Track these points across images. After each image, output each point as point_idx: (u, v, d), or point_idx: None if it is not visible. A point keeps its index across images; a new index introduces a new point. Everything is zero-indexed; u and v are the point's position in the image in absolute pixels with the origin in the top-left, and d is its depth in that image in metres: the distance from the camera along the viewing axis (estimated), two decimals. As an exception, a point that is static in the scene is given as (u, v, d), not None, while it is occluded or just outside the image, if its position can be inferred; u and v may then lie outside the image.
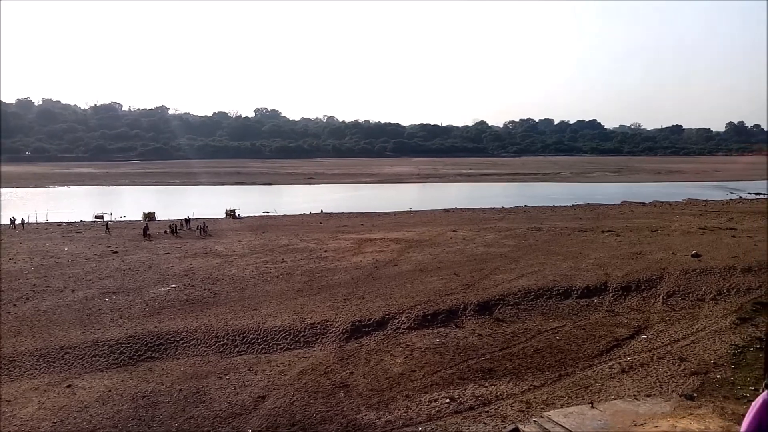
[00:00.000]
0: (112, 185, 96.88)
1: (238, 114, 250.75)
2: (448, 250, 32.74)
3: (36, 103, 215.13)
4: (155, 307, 22.43)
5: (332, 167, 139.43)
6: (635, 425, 10.44)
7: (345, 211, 58.65)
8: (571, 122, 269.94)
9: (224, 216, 55.63)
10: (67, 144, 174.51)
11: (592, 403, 11.90)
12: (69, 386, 15.65)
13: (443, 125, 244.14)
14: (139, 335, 18.97)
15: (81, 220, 52.88)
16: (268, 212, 59.92)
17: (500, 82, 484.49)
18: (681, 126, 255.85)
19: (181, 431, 13.20)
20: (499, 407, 13.57)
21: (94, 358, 17.49)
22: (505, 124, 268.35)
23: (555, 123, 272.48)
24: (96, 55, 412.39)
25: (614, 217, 48.21)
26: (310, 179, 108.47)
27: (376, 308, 21.06)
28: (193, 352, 18.13)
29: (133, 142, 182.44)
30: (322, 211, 59.41)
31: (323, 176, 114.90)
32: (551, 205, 62.09)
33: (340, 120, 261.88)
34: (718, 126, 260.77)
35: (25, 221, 48.50)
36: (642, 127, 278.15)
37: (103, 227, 46.31)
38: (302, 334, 19.09)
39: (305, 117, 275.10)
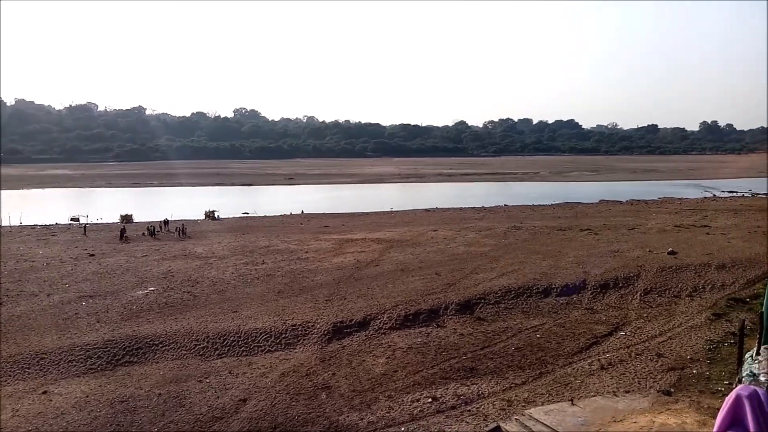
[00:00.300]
0: (88, 187, 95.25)
1: (217, 114, 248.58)
2: (429, 249, 32.85)
3: (8, 104, 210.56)
4: (133, 310, 22.11)
5: (313, 168, 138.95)
6: (614, 421, 10.60)
7: (326, 212, 58.49)
8: (550, 122, 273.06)
9: (203, 217, 55.04)
10: (41, 145, 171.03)
11: (572, 400, 12.05)
12: (44, 393, 15.34)
13: (423, 125, 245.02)
14: (117, 339, 18.67)
15: (56, 223, 51.89)
16: (248, 213, 59.44)
17: (479, 83, 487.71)
18: (656, 125, 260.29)
19: (160, 436, 13.02)
20: (480, 406, 13.65)
21: (70, 364, 17.17)
22: (484, 124, 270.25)
23: (534, 123, 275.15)
24: (70, 55, 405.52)
25: (592, 216, 48.83)
26: (290, 180, 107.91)
27: (358, 309, 21.03)
28: (173, 355, 17.91)
29: (109, 143, 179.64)
30: (302, 211, 59.14)
31: (304, 177, 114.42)
32: (531, 204, 62.66)
33: (321, 120, 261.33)
34: (692, 125, 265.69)
35: (-2, 224, 47.46)
36: (619, 127, 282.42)
37: (79, 230, 45.51)
38: (283, 335, 18.98)
39: (285, 117, 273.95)
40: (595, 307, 21.09)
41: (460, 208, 59.67)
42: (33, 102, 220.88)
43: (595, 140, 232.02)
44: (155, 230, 43.38)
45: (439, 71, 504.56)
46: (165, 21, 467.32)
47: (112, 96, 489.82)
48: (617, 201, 64.74)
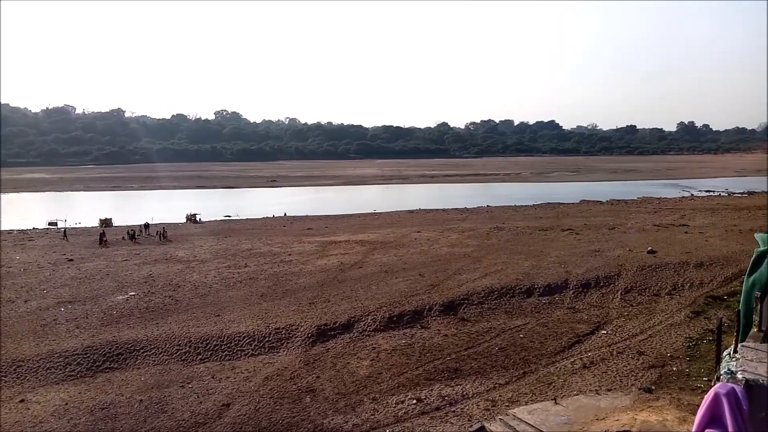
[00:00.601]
0: (66, 191, 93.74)
1: (198, 116, 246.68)
2: (413, 251, 32.89)
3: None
4: (113, 315, 21.77)
5: (295, 170, 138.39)
6: (597, 419, 10.69)
7: (309, 214, 58.27)
8: (531, 123, 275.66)
9: (185, 221, 54.51)
10: (17, 149, 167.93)
11: (555, 399, 12.13)
12: (22, 401, 15.02)
13: (406, 127, 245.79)
14: (97, 345, 18.37)
15: (33, 228, 50.96)
16: (230, 216, 58.99)
17: (461, 84, 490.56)
18: (635, 126, 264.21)
19: (142, 443, 12.84)
20: (465, 406, 13.69)
21: (48, 371, 16.85)
22: (466, 126, 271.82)
23: (515, 124, 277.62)
24: (47, 56, 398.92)
25: (573, 216, 49.34)
26: (272, 182, 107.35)
27: (342, 311, 20.97)
28: (154, 361, 17.67)
29: (87, 146, 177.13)
30: (285, 214, 58.87)
31: (286, 179, 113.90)
32: (513, 204, 63.14)
33: (303, 122, 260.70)
34: (670, 126, 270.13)
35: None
36: (598, 128, 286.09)
37: (57, 234, 44.75)
38: (267, 339, 18.85)
39: (267, 119, 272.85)
40: (577, 307, 21.29)
41: (443, 209, 59.89)
42: (8, 104, 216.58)
43: (576, 141, 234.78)
44: (135, 234, 42.83)
45: (421, 73, 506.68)
46: (144, 22, 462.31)
47: (90, 98, 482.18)
48: (598, 201, 65.52)
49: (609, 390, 13.55)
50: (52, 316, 21.70)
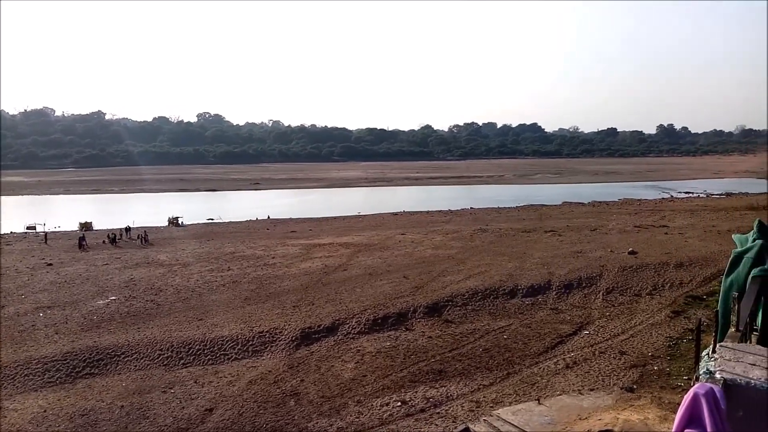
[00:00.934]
0: (45, 194, 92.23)
1: (180, 119, 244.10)
2: (397, 253, 32.92)
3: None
4: (94, 320, 21.46)
5: (279, 172, 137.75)
6: (580, 419, 10.79)
7: (293, 217, 58.04)
8: (513, 126, 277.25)
9: (167, 224, 53.97)
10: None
11: (538, 400, 12.23)
12: (-1, 408, 14.74)
13: (390, 129, 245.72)
14: (77, 351, 18.09)
15: (11, 232, 50.06)
16: (213, 219, 58.54)
17: (445, 87, 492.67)
18: (616, 129, 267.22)
19: (123, 450, 12.66)
20: (449, 408, 13.72)
21: (26, 378, 16.54)
22: (450, 128, 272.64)
23: (498, 127, 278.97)
24: (25, 57, 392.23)
25: (556, 218, 49.78)
26: (256, 185, 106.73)
27: (326, 314, 20.91)
28: (136, 366, 17.45)
29: (67, 149, 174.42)
30: (269, 217, 58.56)
31: (270, 181, 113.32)
32: (496, 206, 63.53)
33: (286, 124, 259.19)
34: (650, 129, 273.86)
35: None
36: (580, 130, 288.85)
37: (36, 239, 44.00)
38: (250, 343, 18.71)
39: (250, 121, 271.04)
40: (559, 307, 21.46)
41: (427, 212, 60.05)
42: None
43: (558, 143, 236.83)
44: (116, 238, 42.27)
45: (405, 75, 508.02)
46: (125, 23, 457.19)
47: (70, 100, 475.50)
48: (579, 203, 66.20)
49: (592, 390, 13.68)
50: (31, 322, 21.33)
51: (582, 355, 16.57)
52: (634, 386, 13.61)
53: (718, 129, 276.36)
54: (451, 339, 18.54)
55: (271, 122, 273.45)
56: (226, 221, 56.10)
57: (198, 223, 55.04)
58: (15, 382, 16.32)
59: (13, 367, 17.01)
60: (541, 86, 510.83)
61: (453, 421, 12.86)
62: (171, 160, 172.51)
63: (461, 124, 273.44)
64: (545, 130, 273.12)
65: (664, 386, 13.59)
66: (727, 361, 2.79)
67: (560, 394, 13.26)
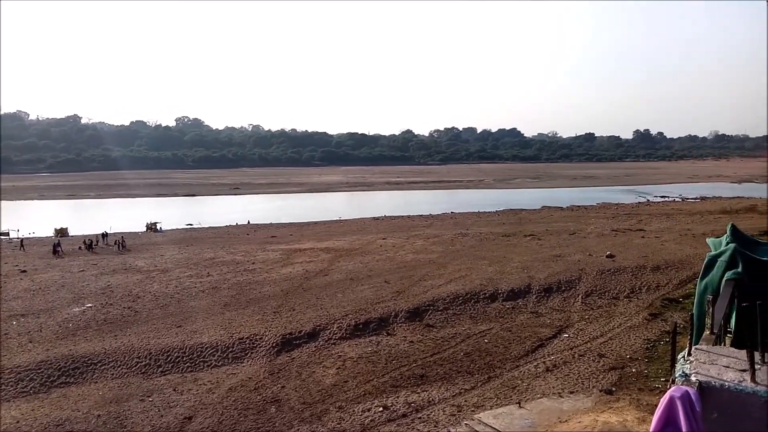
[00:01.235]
0: (19, 200, 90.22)
1: (158, 123, 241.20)
2: (378, 258, 32.91)
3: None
4: (69, 328, 21.06)
5: (259, 177, 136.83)
6: (560, 421, 10.89)
7: (273, 222, 57.67)
8: (493, 131, 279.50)
9: (145, 230, 53.21)
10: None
11: (519, 403, 12.31)
12: (-30, 420, 14.36)
13: (371, 134, 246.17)
14: (52, 360, 17.72)
15: (-17, 238, 48.87)
16: (192, 225, 57.84)
17: (425, 92, 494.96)
18: (593, 134, 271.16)
19: (100, 460, 12.41)
20: (431, 413, 13.73)
21: (-1, 388, 16.14)
22: (430, 133, 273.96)
23: (478, 131, 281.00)
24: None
25: (535, 222, 50.25)
26: (235, 189, 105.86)
27: (307, 319, 20.80)
28: (113, 374, 17.15)
29: (41, 154, 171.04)
30: (249, 222, 58.10)
31: (250, 186, 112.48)
32: (476, 211, 63.90)
33: (266, 129, 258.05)
34: (627, 134, 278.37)
35: None
36: (558, 135, 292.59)
37: (9, 245, 43.01)
38: (230, 349, 18.53)
39: (229, 126, 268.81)
40: (539, 311, 21.65)
41: (408, 216, 60.16)
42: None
43: (537, 148, 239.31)
44: (93, 244, 41.54)
45: (386, 80, 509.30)
46: (100, 25, 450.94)
47: (44, 104, 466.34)
48: (558, 207, 66.93)
49: (571, 392, 13.82)
50: (3, 331, 20.83)
51: (562, 358, 16.73)
52: (613, 388, 13.78)
53: (692, 134, 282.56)
54: (433, 343, 18.57)
55: (251, 126, 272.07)
56: (206, 226, 55.50)
57: (177, 229, 54.37)
58: (-13, 392, 15.91)
59: (-15, 377, 16.60)
60: (520, 91, 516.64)
61: (435, 426, 12.88)
62: (149, 165, 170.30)
63: (442, 129, 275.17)
64: (524, 135, 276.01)
65: (642, 388, 13.78)
66: (702, 364, 2.84)
67: (540, 397, 13.37)
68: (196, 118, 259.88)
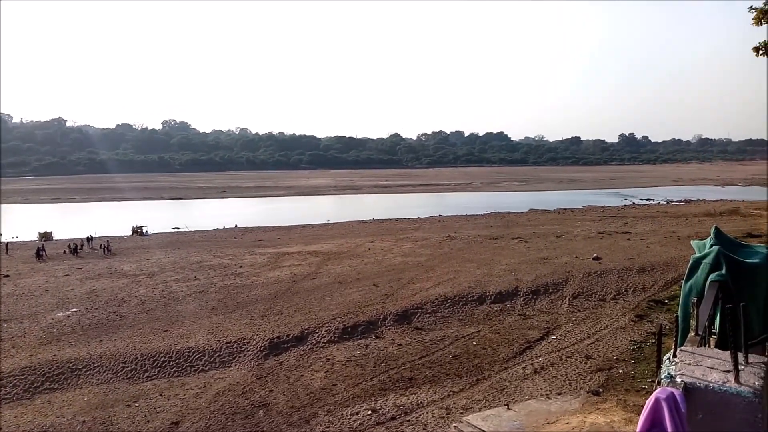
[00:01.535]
0: (2, 204, 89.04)
1: (144, 126, 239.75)
2: (367, 261, 32.89)
3: None
4: (54, 333, 20.78)
5: (246, 180, 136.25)
6: (548, 423, 10.94)
7: (261, 225, 57.41)
8: (481, 134, 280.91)
9: (131, 233, 52.75)
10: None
11: (507, 405, 12.35)
12: (-48, 427, 14.11)
13: (359, 137, 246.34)
14: (35, 365, 17.48)
15: (-36, 243, 48.09)
16: (178, 228, 57.45)
17: (413, 96, 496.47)
18: (579, 137, 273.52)
19: (85, 467, 12.25)
20: (420, 415, 13.73)
21: (-19, 394, 15.89)
22: (418, 137, 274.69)
23: (465, 135, 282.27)
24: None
25: (523, 224, 50.52)
26: (223, 193, 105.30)
27: (295, 323, 20.73)
28: (98, 380, 16.95)
29: (25, 157, 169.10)
30: (236, 225, 57.82)
31: (237, 189, 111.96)
32: (464, 214, 64.11)
33: (254, 132, 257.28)
34: (612, 137, 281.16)
35: None
36: (545, 139, 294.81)
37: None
38: (218, 353, 18.40)
39: (217, 129, 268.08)
40: (527, 313, 21.75)
41: (396, 219, 60.21)
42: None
43: (524, 152, 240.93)
44: (77, 248, 41.08)
45: (374, 84, 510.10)
46: (85, 26, 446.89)
47: (28, 107, 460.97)
48: (545, 210, 67.35)
49: (559, 394, 13.89)
50: (-14, 336, 20.51)
51: (549, 360, 16.81)
52: (600, 390, 13.87)
53: (676, 138, 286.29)
54: (421, 346, 18.59)
55: (238, 130, 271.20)
56: (192, 230, 55.14)
57: (163, 232, 53.96)
58: (-31, 399, 15.66)
59: (-33, 383, 16.33)
60: (507, 95, 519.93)
61: (423, 429, 12.88)
62: (135, 168, 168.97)
63: (429, 132, 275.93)
64: (511, 139, 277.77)
65: (628, 389, 13.89)
66: (687, 365, 2.88)
67: (529, 399, 13.43)
68: (182, 121, 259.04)
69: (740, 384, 2.65)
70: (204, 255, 37.44)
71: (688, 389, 2.64)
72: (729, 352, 2.83)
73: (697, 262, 4.80)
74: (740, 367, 2.76)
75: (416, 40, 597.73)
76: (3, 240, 47.21)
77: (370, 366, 17.06)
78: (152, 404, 15.14)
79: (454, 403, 14.25)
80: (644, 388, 13.67)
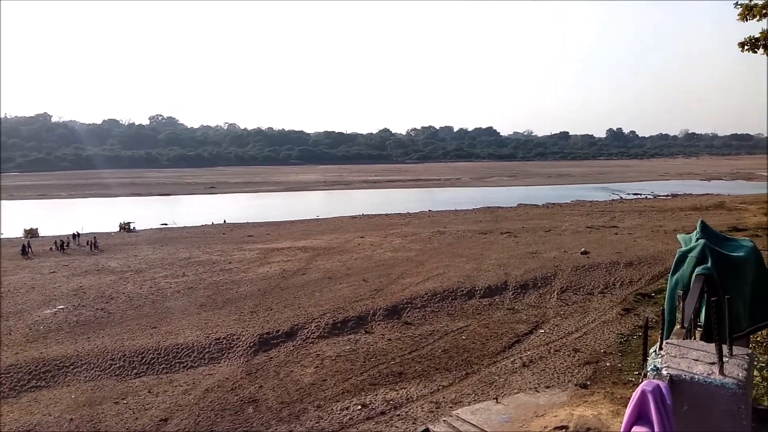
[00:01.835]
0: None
1: (131, 121, 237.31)
2: (356, 256, 32.88)
3: None
4: (40, 331, 20.59)
5: (235, 176, 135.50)
6: (536, 416, 11.01)
7: (250, 221, 57.18)
8: (470, 129, 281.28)
9: (118, 230, 52.31)
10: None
11: (497, 398, 12.41)
12: (-64, 427, 13.95)
13: (348, 133, 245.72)
14: (21, 363, 17.31)
15: (-52, 240, 47.47)
16: (166, 224, 57.05)
17: (402, 91, 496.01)
18: (568, 132, 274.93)
19: (73, 465, 12.17)
20: (409, 410, 13.77)
21: (-33, 393, 15.71)
22: (407, 132, 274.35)
23: (455, 130, 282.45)
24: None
25: (511, 219, 50.74)
26: (211, 189, 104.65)
27: (285, 319, 20.69)
28: (86, 377, 16.83)
29: (10, 153, 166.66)
30: (225, 221, 57.54)
31: (225, 185, 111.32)
32: (453, 209, 64.27)
33: (242, 127, 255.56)
34: (600, 132, 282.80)
35: None
36: (534, 134, 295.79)
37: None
38: (207, 350, 18.33)
39: (205, 124, 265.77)
40: (516, 307, 21.87)
41: (386, 214, 60.22)
42: None
43: (513, 147, 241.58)
44: (64, 245, 40.68)
45: (363, 79, 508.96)
46: (70, 20, 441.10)
47: (13, 102, 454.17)
48: (534, 204, 67.69)
49: (547, 387, 13.98)
50: (-29, 334, 20.27)
51: (538, 354, 16.92)
52: (588, 382, 13.98)
53: (663, 133, 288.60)
54: (411, 341, 18.63)
55: (226, 125, 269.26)
56: (181, 226, 54.78)
57: (151, 229, 53.56)
58: (-46, 398, 15.48)
59: (-49, 382, 16.14)
60: (496, 90, 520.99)
61: (413, 423, 12.92)
62: (122, 164, 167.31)
63: (419, 127, 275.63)
64: (500, 134, 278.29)
65: (616, 382, 14.01)
66: (672, 358, 2.90)
67: (518, 393, 13.50)
68: (170, 117, 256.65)
69: (725, 376, 2.67)
70: (192, 251, 37.23)
71: (674, 381, 2.67)
72: (714, 344, 2.85)
73: (683, 256, 4.83)
74: (725, 359, 2.78)
75: (405, 35, 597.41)
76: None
77: (359, 361, 17.08)
78: (141, 401, 15.06)
79: (443, 397, 14.31)
80: (631, 380, 13.80)
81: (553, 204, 67.69)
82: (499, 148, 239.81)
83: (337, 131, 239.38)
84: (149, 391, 15.69)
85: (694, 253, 4.72)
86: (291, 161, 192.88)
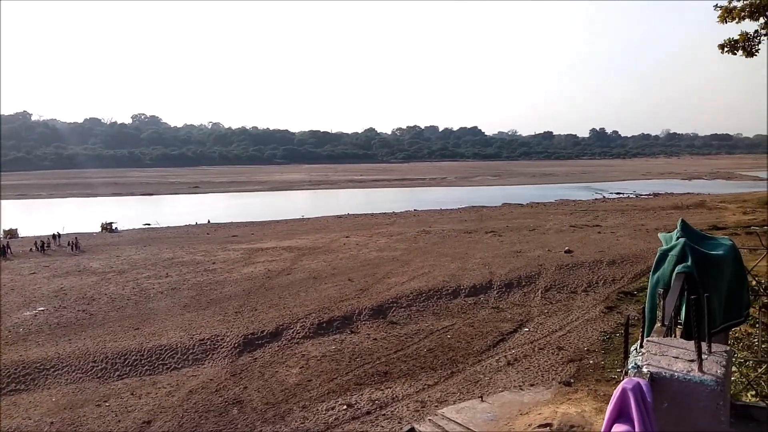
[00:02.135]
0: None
1: (113, 120, 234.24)
2: (342, 256, 32.82)
3: None
4: (20, 333, 20.26)
5: (219, 175, 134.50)
6: (521, 414, 11.09)
7: (234, 221, 56.78)
8: (455, 129, 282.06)
9: (100, 230, 51.63)
10: None
11: (482, 397, 12.49)
12: None
13: (333, 132, 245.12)
14: (0, 366, 17.01)
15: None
16: (149, 224, 56.44)
17: (388, 90, 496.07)
18: (552, 132, 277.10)
19: (54, 469, 12.00)
20: (395, 409, 13.79)
21: (-56, 397, 15.41)
22: (393, 131, 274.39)
23: (440, 130, 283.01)
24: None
25: (496, 218, 50.99)
26: (195, 188, 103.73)
27: (270, 319, 20.59)
28: (67, 380, 16.60)
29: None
30: (209, 221, 57.07)
31: (209, 185, 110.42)
32: (438, 208, 64.45)
33: (227, 126, 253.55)
34: (583, 132, 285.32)
35: None
36: (518, 134, 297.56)
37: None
38: (191, 351, 18.17)
39: (188, 123, 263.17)
40: (500, 306, 22.00)
41: (371, 214, 60.19)
42: None
43: (497, 146, 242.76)
44: (44, 245, 40.05)
45: (348, 78, 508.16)
46: (51, 18, 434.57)
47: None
48: (518, 204, 68.10)
49: (532, 385, 14.09)
50: (-52, 337, 19.89)
51: (522, 352, 17.05)
52: (572, 380, 14.12)
53: (645, 133, 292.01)
54: (396, 340, 18.65)
55: (210, 124, 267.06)
56: (164, 226, 54.22)
57: (134, 229, 52.96)
58: (-69, 402, 15.17)
59: (-72, 386, 15.82)
60: (481, 91, 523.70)
61: (399, 422, 12.94)
62: (104, 164, 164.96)
63: (404, 127, 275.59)
64: (485, 134, 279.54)
65: (599, 379, 14.17)
66: (653, 355, 2.93)
67: (502, 391, 13.59)
68: (153, 116, 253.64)
69: (704, 373, 2.71)
70: (176, 251, 36.89)
71: (654, 379, 2.69)
72: (693, 342, 2.89)
73: (664, 254, 4.88)
74: (704, 357, 2.82)
75: (392, 34, 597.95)
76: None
77: (345, 361, 17.06)
78: (123, 403, 14.90)
79: (429, 397, 14.35)
80: (614, 378, 13.96)
81: (537, 203, 68.16)
82: (484, 147, 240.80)
83: (322, 130, 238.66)
84: (132, 393, 15.52)
85: (674, 252, 4.78)
86: (276, 160, 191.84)
